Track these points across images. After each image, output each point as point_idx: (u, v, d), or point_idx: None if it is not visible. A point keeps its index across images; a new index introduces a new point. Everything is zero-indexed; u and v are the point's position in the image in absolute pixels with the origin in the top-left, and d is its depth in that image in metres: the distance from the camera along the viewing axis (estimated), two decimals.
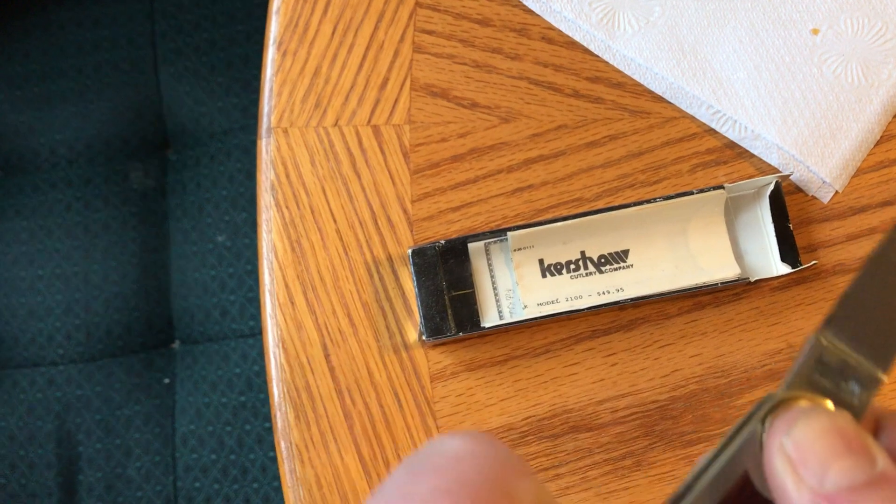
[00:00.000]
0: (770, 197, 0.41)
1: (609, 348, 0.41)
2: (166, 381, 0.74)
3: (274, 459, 0.71)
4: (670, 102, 0.43)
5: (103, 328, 0.75)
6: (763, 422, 0.22)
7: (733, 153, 0.43)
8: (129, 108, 0.80)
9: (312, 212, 0.43)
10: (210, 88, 0.79)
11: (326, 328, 0.41)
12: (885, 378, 0.22)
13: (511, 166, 0.43)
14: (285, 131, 0.43)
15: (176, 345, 0.76)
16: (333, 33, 0.44)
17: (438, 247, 0.41)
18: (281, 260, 0.42)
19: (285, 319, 0.42)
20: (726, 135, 0.43)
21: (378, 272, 0.42)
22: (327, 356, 0.41)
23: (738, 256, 0.41)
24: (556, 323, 0.42)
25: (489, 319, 0.41)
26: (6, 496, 0.71)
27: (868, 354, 0.22)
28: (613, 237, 0.41)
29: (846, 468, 0.20)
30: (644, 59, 0.43)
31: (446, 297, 0.40)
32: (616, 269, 0.41)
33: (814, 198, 0.42)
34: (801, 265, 0.41)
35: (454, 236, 0.41)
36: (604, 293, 0.41)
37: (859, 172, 0.43)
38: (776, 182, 0.41)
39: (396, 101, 0.44)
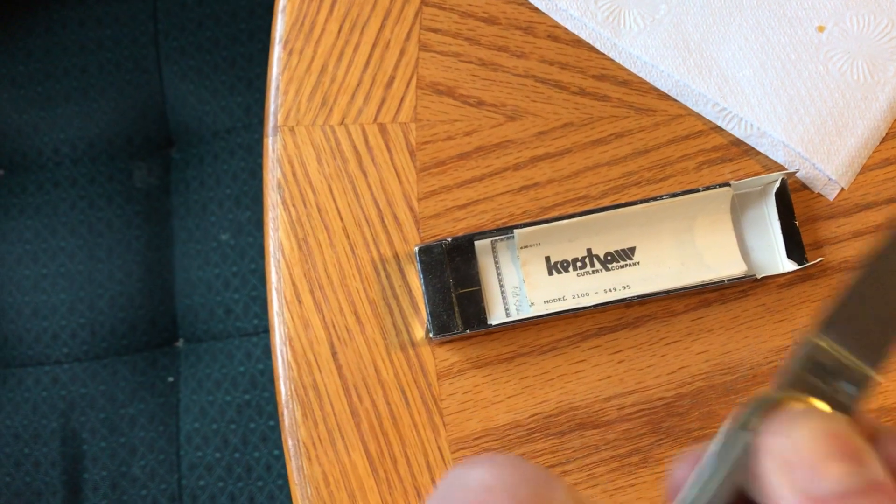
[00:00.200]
0: (776, 194, 0.41)
1: (615, 345, 0.41)
2: (170, 379, 0.74)
3: (278, 457, 0.71)
4: (676, 100, 0.43)
5: (107, 327, 0.75)
6: (749, 427, 0.21)
7: (739, 150, 0.43)
8: (133, 107, 0.80)
9: (319, 210, 0.43)
10: (213, 87, 0.79)
11: (333, 326, 0.42)
12: (878, 379, 0.22)
13: (517, 164, 0.43)
14: (292, 130, 0.43)
15: (180, 343, 0.76)
16: (339, 32, 0.44)
17: (445, 244, 0.41)
18: (288, 258, 0.42)
19: (292, 317, 0.42)
20: (732, 132, 0.43)
21: (385, 270, 0.42)
22: (334, 354, 0.41)
23: (745, 253, 0.41)
24: (562, 320, 0.42)
25: (496, 317, 0.41)
26: (11, 494, 0.72)
27: (862, 355, 0.22)
28: (620, 235, 0.41)
29: (839, 473, 0.19)
30: (650, 56, 0.43)
31: (453, 294, 0.40)
32: (622, 267, 0.41)
33: (820, 195, 0.42)
34: (808, 262, 0.41)
35: (461, 234, 0.41)
36: (610, 290, 0.41)
37: (865, 169, 0.43)
38: (782, 179, 0.41)
39: (402, 99, 0.44)
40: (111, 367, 0.74)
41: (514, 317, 0.41)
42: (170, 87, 0.80)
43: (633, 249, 0.41)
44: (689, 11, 0.44)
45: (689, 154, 0.43)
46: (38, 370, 0.74)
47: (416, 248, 0.41)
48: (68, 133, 0.79)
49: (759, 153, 0.43)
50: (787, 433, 0.20)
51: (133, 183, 0.78)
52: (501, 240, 0.41)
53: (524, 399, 0.41)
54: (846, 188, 0.42)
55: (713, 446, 0.21)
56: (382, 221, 0.43)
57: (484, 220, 0.43)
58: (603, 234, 0.41)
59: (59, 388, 0.74)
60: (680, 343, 0.41)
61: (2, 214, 0.77)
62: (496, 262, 0.42)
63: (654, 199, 0.40)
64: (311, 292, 0.42)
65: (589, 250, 0.41)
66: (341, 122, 0.43)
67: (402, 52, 0.44)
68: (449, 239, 0.41)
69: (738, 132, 0.43)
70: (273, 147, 0.43)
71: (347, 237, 0.42)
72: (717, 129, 0.43)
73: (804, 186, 0.43)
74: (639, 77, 0.44)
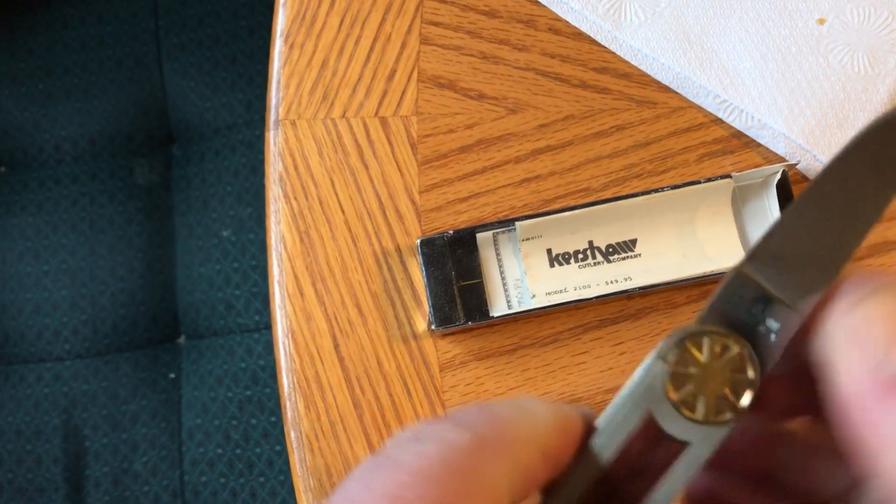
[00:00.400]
0: (777, 186, 0.41)
1: (617, 337, 0.42)
2: (172, 375, 0.74)
3: (280, 453, 0.71)
4: (677, 92, 0.43)
5: (109, 323, 0.75)
6: (665, 359, 0.21)
7: (740, 143, 0.43)
8: (134, 104, 0.80)
9: (321, 203, 0.43)
10: (214, 84, 0.79)
11: (335, 318, 0.42)
12: (805, 313, 0.21)
13: (518, 157, 0.43)
14: (293, 123, 0.44)
15: (181, 340, 0.76)
16: (341, 25, 0.44)
17: (447, 237, 0.41)
18: (290, 251, 0.42)
19: (294, 310, 0.42)
20: (733, 124, 0.43)
21: (387, 262, 0.42)
22: (336, 346, 0.41)
23: (746, 245, 0.41)
24: (564, 312, 0.42)
25: (498, 309, 0.41)
26: (13, 491, 0.72)
27: (791, 289, 0.21)
28: (621, 227, 0.41)
29: None
30: (651, 49, 0.43)
31: (455, 286, 0.40)
32: (624, 259, 0.41)
33: None
34: None
35: (462, 226, 0.41)
36: (612, 282, 0.41)
37: None
38: (783, 171, 0.41)
39: (404, 92, 0.44)
40: (113, 364, 0.75)
41: (516, 309, 0.41)
42: (171, 84, 0.80)
43: (634, 241, 0.41)
44: (690, 4, 0.44)
45: (690, 146, 0.43)
46: (39, 367, 0.74)
47: (418, 241, 0.41)
48: (69, 130, 0.79)
49: (759, 145, 0.43)
50: (859, 307, 0.20)
51: (134, 180, 0.78)
52: (503, 232, 0.41)
53: (526, 391, 0.41)
54: None
55: (634, 374, 0.22)
56: (384, 214, 0.43)
57: (485, 212, 0.43)
58: (604, 227, 0.41)
59: (61, 385, 0.74)
60: None
61: (3, 211, 0.77)
62: (498, 255, 0.42)
63: (656, 191, 0.41)
64: (314, 285, 0.42)
65: (590, 242, 0.41)
66: (343, 116, 0.44)
67: (403, 46, 0.44)
68: (451, 231, 0.41)
69: (739, 124, 0.43)
70: (275, 141, 0.43)
71: (349, 230, 0.42)
72: (718, 122, 0.43)
73: (805, 178, 0.43)
74: (640, 69, 0.44)
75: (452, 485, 0.18)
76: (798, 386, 0.22)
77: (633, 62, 0.44)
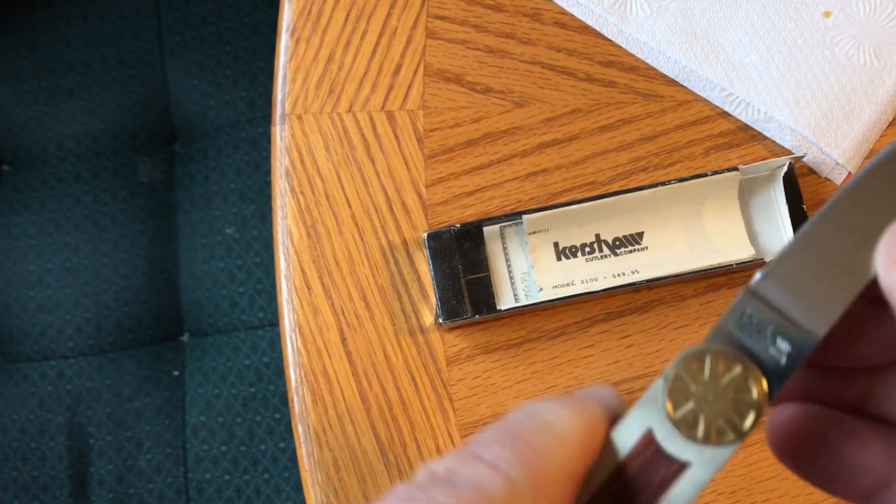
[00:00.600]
0: (784, 178, 0.41)
1: (624, 330, 0.42)
2: (176, 373, 0.74)
3: (284, 450, 0.71)
4: (683, 86, 0.43)
5: (113, 321, 0.75)
6: (666, 377, 0.21)
7: (746, 136, 0.43)
8: (136, 102, 0.80)
9: (327, 197, 0.43)
10: (217, 81, 0.79)
11: (343, 312, 0.42)
12: (819, 338, 0.21)
13: (525, 150, 0.43)
14: (299, 118, 0.44)
15: (185, 337, 0.76)
16: (346, 20, 0.44)
17: (454, 230, 0.41)
18: (297, 245, 0.42)
19: (302, 304, 0.42)
20: (739, 117, 0.43)
21: (393, 256, 0.42)
22: (344, 340, 0.41)
23: (753, 237, 0.41)
24: (571, 305, 0.42)
25: (505, 302, 0.41)
26: (18, 488, 0.72)
27: (803, 312, 0.21)
28: (628, 220, 0.41)
29: None
30: (657, 42, 0.43)
31: (462, 280, 0.41)
32: (631, 252, 0.41)
33: (827, 179, 0.43)
34: None
35: (469, 220, 0.41)
36: (619, 275, 0.41)
37: (872, 153, 0.43)
38: (789, 164, 0.41)
39: (410, 86, 0.44)
40: (116, 362, 0.75)
41: (523, 302, 0.41)
42: (173, 82, 0.80)
43: (641, 234, 0.41)
44: None
45: (696, 139, 0.43)
46: (43, 365, 0.74)
47: (425, 234, 0.41)
48: (72, 128, 0.79)
49: (766, 138, 0.43)
50: None
51: (137, 178, 0.78)
52: (510, 225, 0.41)
53: (533, 384, 0.41)
54: (853, 172, 0.42)
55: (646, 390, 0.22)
56: (391, 208, 0.43)
57: (492, 206, 0.43)
58: (611, 220, 0.41)
59: (65, 383, 0.74)
60: (689, 327, 0.42)
61: (6, 210, 0.77)
62: (505, 248, 0.42)
63: (662, 184, 0.41)
64: (321, 279, 0.42)
65: (597, 235, 0.41)
66: (349, 110, 0.44)
67: (409, 40, 0.44)
68: (458, 225, 0.41)
69: (746, 117, 0.43)
70: (281, 135, 0.43)
71: (356, 224, 0.43)
72: (725, 115, 0.43)
73: (811, 171, 0.43)
74: (646, 63, 0.44)
75: None
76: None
77: (639, 56, 0.44)
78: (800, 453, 0.24)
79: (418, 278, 0.42)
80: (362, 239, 0.42)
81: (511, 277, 0.41)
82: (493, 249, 0.41)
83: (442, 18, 0.44)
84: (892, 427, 0.23)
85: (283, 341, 0.42)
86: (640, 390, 0.41)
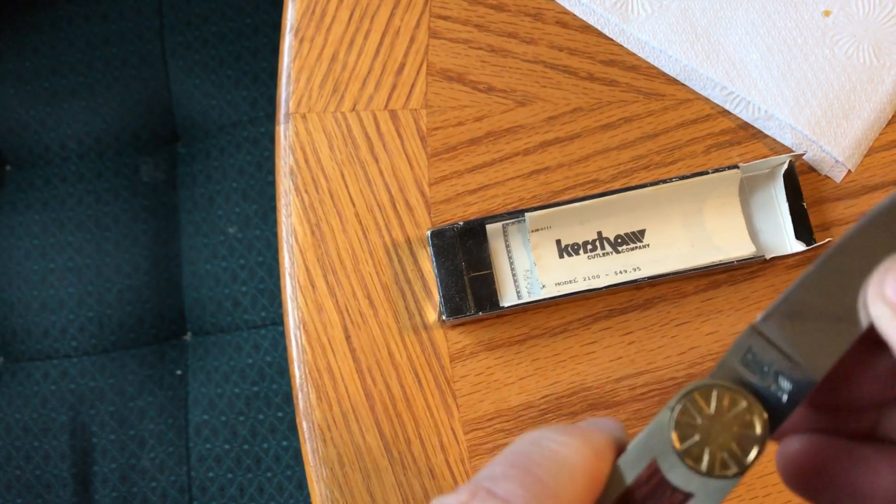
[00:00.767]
0: (784, 176, 0.41)
1: (626, 327, 0.42)
2: (179, 372, 0.75)
3: (287, 448, 0.72)
4: (684, 84, 0.44)
5: (116, 320, 0.75)
6: (672, 410, 0.21)
7: (747, 134, 0.43)
8: (139, 102, 0.81)
9: (331, 196, 0.43)
10: (219, 81, 0.80)
11: (347, 310, 0.42)
12: (816, 380, 0.21)
13: (527, 149, 0.43)
14: (303, 117, 0.44)
15: (188, 336, 0.76)
16: (350, 19, 0.45)
17: (457, 228, 0.41)
18: (301, 243, 0.43)
19: (306, 302, 0.42)
20: (740, 116, 0.43)
21: (397, 254, 0.43)
22: (348, 337, 0.42)
23: (753, 235, 0.42)
24: (573, 303, 0.42)
25: (508, 299, 0.41)
26: (22, 487, 0.72)
27: (805, 352, 0.21)
28: (630, 217, 0.42)
29: None
30: (658, 42, 0.44)
31: (465, 277, 0.41)
32: (633, 249, 0.42)
33: (827, 177, 0.43)
34: (816, 243, 0.41)
35: (472, 218, 0.42)
36: (621, 272, 0.41)
37: (871, 152, 0.43)
38: (790, 161, 0.41)
39: (413, 85, 0.44)
40: (120, 361, 0.75)
41: (526, 299, 0.41)
42: (175, 82, 0.81)
43: (642, 232, 0.42)
44: None
45: (697, 137, 0.43)
46: (46, 364, 0.75)
47: (429, 232, 0.41)
48: (75, 128, 0.80)
49: (766, 136, 0.43)
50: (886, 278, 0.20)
51: (140, 177, 0.79)
52: (513, 223, 0.42)
53: (536, 380, 0.41)
54: (853, 170, 0.43)
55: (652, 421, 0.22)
56: (394, 206, 0.43)
57: (494, 204, 0.43)
58: (613, 217, 0.42)
59: (68, 382, 0.74)
60: (690, 324, 0.42)
61: (9, 209, 0.78)
62: (507, 246, 0.42)
63: (664, 181, 0.41)
64: (325, 277, 0.42)
65: (599, 233, 0.42)
66: (353, 109, 0.44)
67: (412, 40, 0.45)
68: (461, 223, 0.41)
69: (746, 115, 0.43)
70: (285, 134, 0.44)
71: (360, 222, 0.43)
72: (725, 113, 0.44)
73: (811, 169, 0.43)
74: (647, 62, 0.44)
75: None
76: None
77: (640, 55, 0.44)
78: (811, 484, 0.24)
79: (421, 276, 0.42)
80: (366, 237, 0.43)
81: (514, 275, 0.42)
82: (496, 247, 0.42)
83: (445, 18, 0.45)
84: None
85: (287, 338, 0.42)
86: (642, 386, 0.41)
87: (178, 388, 0.74)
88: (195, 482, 0.72)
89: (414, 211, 0.43)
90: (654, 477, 0.21)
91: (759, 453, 0.21)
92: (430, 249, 0.41)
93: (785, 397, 0.22)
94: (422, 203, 0.43)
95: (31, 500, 0.72)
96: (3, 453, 0.72)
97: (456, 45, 0.44)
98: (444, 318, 0.41)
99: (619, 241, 0.42)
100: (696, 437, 0.21)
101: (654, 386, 0.41)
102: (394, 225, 0.43)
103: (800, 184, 0.42)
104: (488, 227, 0.41)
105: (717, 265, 0.41)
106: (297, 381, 0.42)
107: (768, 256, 0.41)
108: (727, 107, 0.43)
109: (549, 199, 0.43)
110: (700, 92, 0.44)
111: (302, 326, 0.42)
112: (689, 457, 0.21)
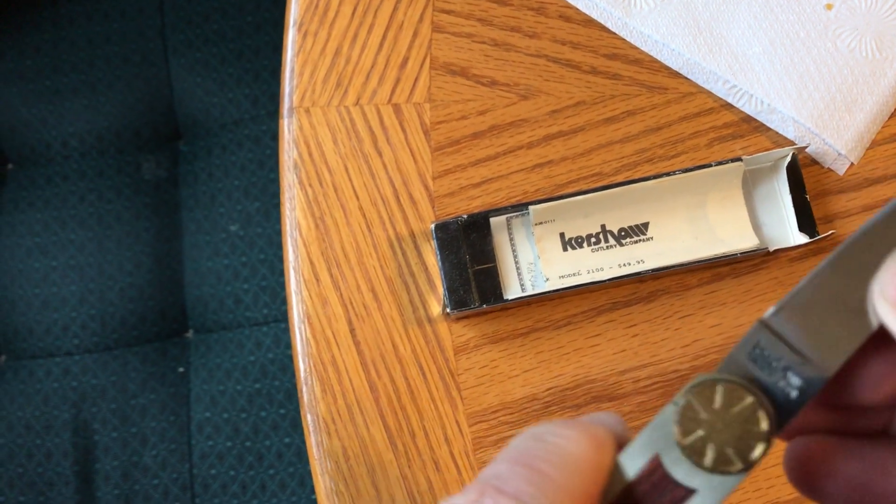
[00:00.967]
0: (787, 169, 0.42)
1: (630, 319, 0.42)
2: (181, 369, 0.75)
3: (289, 445, 0.72)
4: (687, 78, 0.44)
5: (118, 318, 0.75)
6: (677, 404, 0.21)
7: (750, 127, 0.43)
8: (140, 100, 0.81)
9: (335, 189, 0.43)
10: (220, 79, 0.80)
11: (351, 303, 0.42)
12: (828, 377, 0.21)
13: (531, 142, 0.44)
14: (307, 111, 0.44)
15: (190, 334, 0.76)
16: (353, 14, 0.45)
17: (461, 221, 0.41)
18: (305, 237, 0.43)
19: (310, 295, 0.42)
20: (743, 109, 0.43)
21: (401, 248, 0.43)
22: (352, 330, 0.42)
23: (757, 227, 0.42)
24: (577, 295, 0.42)
25: (512, 292, 0.41)
26: (24, 485, 0.72)
27: (815, 348, 0.21)
28: (633, 210, 0.42)
29: None
30: (661, 35, 0.44)
31: (469, 270, 0.41)
32: (636, 242, 0.42)
33: (830, 170, 0.43)
34: (819, 235, 0.41)
35: (476, 211, 0.42)
36: (624, 265, 0.41)
37: (874, 144, 0.43)
38: (793, 154, 0.41)
39: (416, 79, 0.44)
40: (122, 358, 0.75)
41: (530, 292, 0.41)
42: (177, 80, 0.81)
43: (646, 225, 0.42)
44: None
45: (700, 131, 0.43)
46: (48, 362, 0.75)
47: (433, 225, 0.41)
48: (77, 126, 0.80)
49: (769, 129, 0.43)
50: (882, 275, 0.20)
51: (142, 175, 0.79)
52: (516, 216, 0.42)
53: (540, 373, 0.42)
54: (856, 163, 0.43)
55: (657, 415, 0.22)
56: (398, 200, 0.43)
57: (498, 198, 0.43)
58: (616, 210, 0.42)
59: (70, 380, 0.74)
60: (693, 316, 0.42)
61: (11, 208, 0.78)
62: (511, 239, 0.42)
63: (667, 174, 0.41)
64: (329, 270, 0.42)
65: (603, 226, 0.42)
66: (356, 103, 0.44)
67: (415, 34, 0.45)
68: (465, 216, 0.41)
69: (749, 109, 0.43)
70: (289, 128, 0.44)
71: (364, 216, 0.43)
72: (728, 106, 0.44)
73: (814, 161, 0.43)
74: (650, 55, 0.44)
75: None
76: None
77: (643, 48, 0.44)
78: (820, 485, 0.24)
79: (426, 269, 0.42)
80: (370, 230, 0.43)
81: (518, 268, 0.42)
82: (500, 240, 0.42)
83: (448, 12, 0.45)
84: None
85: (291, 332, 0.42)
86: (646, 379, 0.41)
87: (180, 386, 0.74)
88: (197, 479, 0.72)
89: (418, 204, 0.43)
90: (657, 472, 0.21)
91: (766, 450, 0.21)
92: (434, 242, 0.41)
93: (794, 394, 0.21)
94: (425, 196, 0.43)
95: (33, 497, 0.72)
96: (6, 451, 0.72)
97: (459, 40, 0.45)
98: (448, 310, 0.41)
99: (623, 233, 0.42)
100: (701, 432, 0.21)
101: (657, 378, 0.41)
102: (398, 218, 0.43)
103: (803, 176, 0.42)
104: (492, 220, 0.42)
105: (721, 258, 0.41)
106: (302, 374, 0.42)
107: (772, 249, 0.41)
108: (730, 100, 0.43)
109: (553, 193, 0.43)
110: (703, 85, 0.44)
111: (306, 320, 0.42)
112: (693, 451, 0.21)
